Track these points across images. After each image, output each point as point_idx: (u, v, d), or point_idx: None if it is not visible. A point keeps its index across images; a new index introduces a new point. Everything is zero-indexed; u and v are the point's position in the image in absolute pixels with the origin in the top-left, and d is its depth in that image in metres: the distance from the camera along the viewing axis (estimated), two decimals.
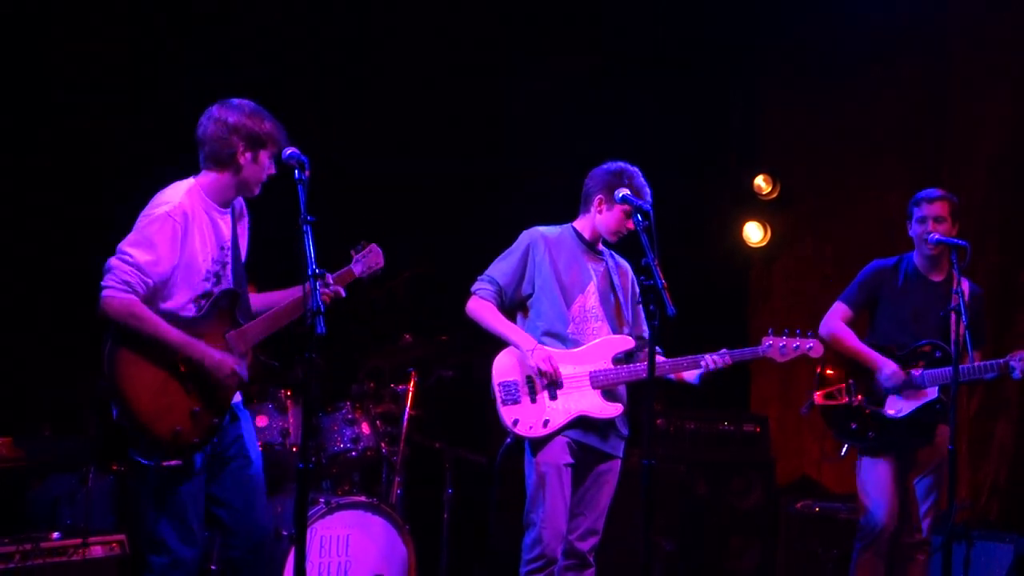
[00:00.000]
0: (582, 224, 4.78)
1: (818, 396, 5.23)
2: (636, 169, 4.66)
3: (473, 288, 4.71)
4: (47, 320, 6.08)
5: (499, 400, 4.58)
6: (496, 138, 7.37)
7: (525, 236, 4.75)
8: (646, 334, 4.80)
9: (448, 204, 7.14)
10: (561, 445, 4.55)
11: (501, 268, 4.71)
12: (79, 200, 6.20)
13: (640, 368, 4.60)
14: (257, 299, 4.24)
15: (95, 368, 5.62)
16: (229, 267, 4.07)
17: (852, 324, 5.29)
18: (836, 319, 5.29)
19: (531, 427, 4.54)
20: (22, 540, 4.99)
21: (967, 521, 6.27)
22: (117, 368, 3.82)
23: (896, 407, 5.09)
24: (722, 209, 8.07)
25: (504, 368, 4.62)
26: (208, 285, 4.00)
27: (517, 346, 4.59)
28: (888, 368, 5.08)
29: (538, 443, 4.56)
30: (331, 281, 4.14)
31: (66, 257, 6.14)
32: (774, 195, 7.93)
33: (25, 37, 6.06)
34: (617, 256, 4.87)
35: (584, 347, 4.63)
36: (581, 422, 4.58)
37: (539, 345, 4.58)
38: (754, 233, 7.99)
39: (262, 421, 5.52)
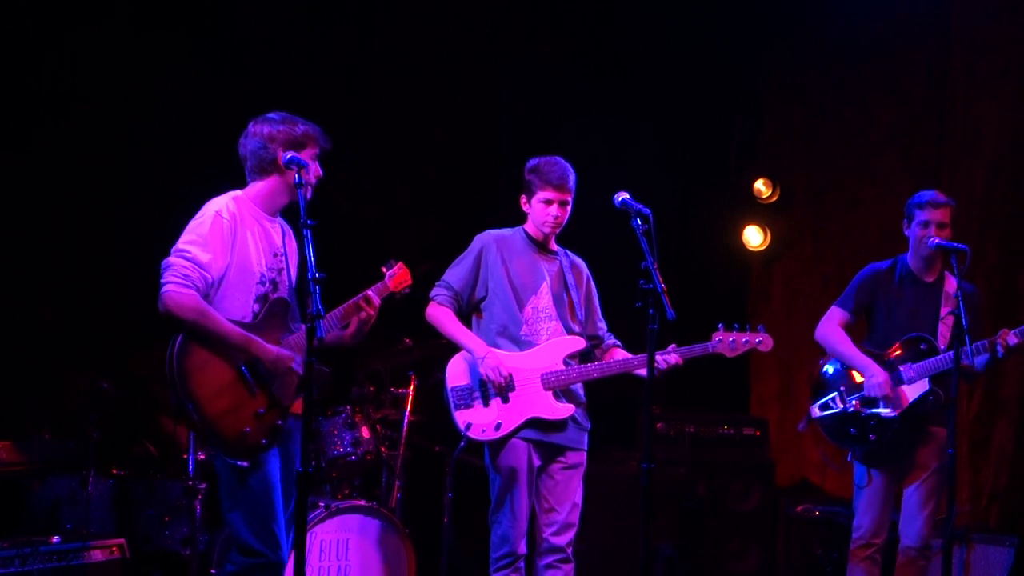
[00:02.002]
0: (527, 225, 4.85)
1: (814, 409, 5.25)
2: (553, 159, 4.73)
3: (431, 294, 4.78)
4: (47, 323, 6.08)
5: (452, 404, 4.67)
6: (496, 138, 7.37)
7: (477, 240, 4.83)
8: (600, 332, 4.91)
9: (448, 205, 7.14)
10: (518, 447, 4.62)
11: (455, 273, 4.78)
12: (80, 203, 6.20)
13: (591, 368, 4.69)
14: None
15: (95, 371, 5.68)
16: (285, 274, 4.15)
17: (849, 328, 5.28)
18: (833, 323, 5.28)
19: (484, 430, 4.62)
20: (22, 544, 4.99)
21: (967, 524, 6.27)
22: (184, 369, 3.87)
23: (891, 406, 5.11)
24: (722, 213, 8.06)
25: (457, 372, 4.70)
26: (264, 289, 4.08)
27: (470, 352, 4.66)
28: (875, 377, 5.08)
29: (496, 446, 4.63)
30: (375, 299, 4.27)
31: (66, 259, 6.15)
32: (774, 199, 7.93)
33: (24, 36, 6.06)
34: (571, 254, 4.92)
35: (535, 348, 4.69)
36: (536, 423, 4.63)
37: (491, 351, 4.63)
38: (754, 237, 7.98)
39: None
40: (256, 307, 4.05)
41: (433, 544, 5.99)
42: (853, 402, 5.15)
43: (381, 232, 6.84)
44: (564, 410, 4.66)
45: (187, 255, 3.91)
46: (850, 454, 5.25)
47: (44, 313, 6.11)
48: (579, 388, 4.76)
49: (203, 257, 3.92)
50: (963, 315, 4.73)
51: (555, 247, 4.86)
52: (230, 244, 3.98)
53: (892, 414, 5.09)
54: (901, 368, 5.10)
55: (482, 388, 4.65)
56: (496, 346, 4.68)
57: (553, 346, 4.70)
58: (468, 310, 4.80)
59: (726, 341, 4.67)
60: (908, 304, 5.21)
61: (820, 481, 7.43)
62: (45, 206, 6.09)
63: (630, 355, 4.72)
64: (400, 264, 4.46)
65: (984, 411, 6.73)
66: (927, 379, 5.07)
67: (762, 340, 4.70)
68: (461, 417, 4.64)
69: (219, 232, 3.96)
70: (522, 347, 4.70)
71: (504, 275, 4.72)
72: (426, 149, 7.22)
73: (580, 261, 4.94)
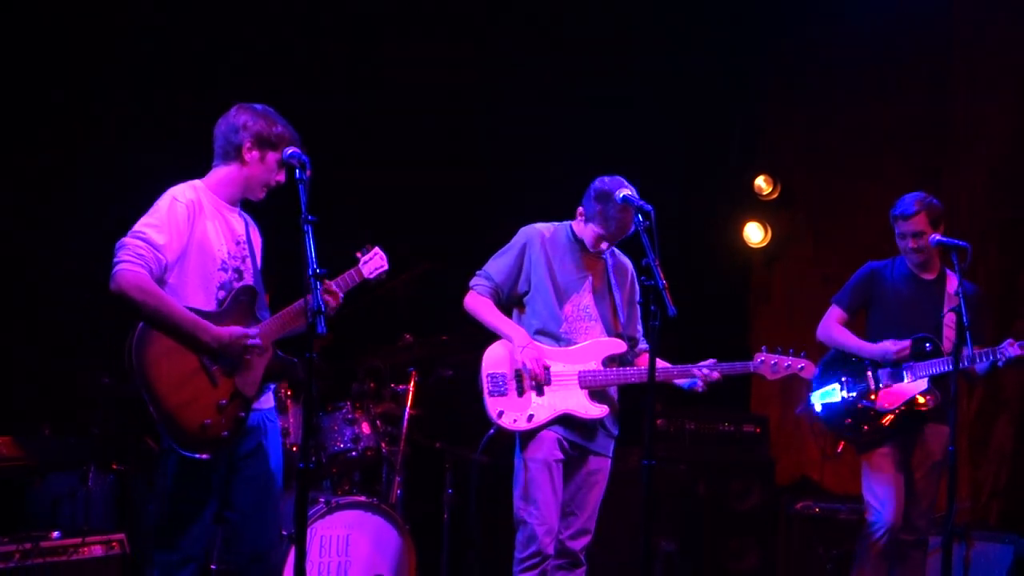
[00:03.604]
0: (576, 225, 4.78)
1: (813, 396, 5.31)
2: (625, 196, 4.40)
3: (471, 284, 4.74)
4: (47, 319, 6.08)
5: (486, 391, 4.61)
6: (499, 137, 7.37)
7: (522, 234, 4.77)
8: (638, 334, 4.84)
9: (450, 204, 7.14)
10: (551, 441, 4.57)
11: (497, 265, 4.73)
12: (81, 200, 6.20)
13: (629, 372, 4.64)
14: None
15: (94, 367, 5.68)
16: (249, 261, 4.10)
17: (848, 326, 5.33)
18: (832, 322, 5.35)
19: (515, 420, 4.57)
20: (22, 539, 4.99)
21: (967, 521, 6.28)
22: (143, 358, 3.80)
23: (887, 400, 5.15)
24: (723, 210, 8.07)
25: (495, 359, 4.64)
26: (226, 276, 4.02)
27: (510, 340, 4.61)
28: (890, 348, 5.11)
29: (527, 439, 4.58)
30: (334, 288, 4.14)
31: (67, 256, 6.15)
32: (775, 195, 7.93)
33: (21, 35, 6.07)
34: (619, 253, 4.86)
35: (576, 346, 4.65)
36: (567, 420, 4.59)
37: (531, 342, 4.60)
38: (755, 233, 7.99)
39: None
40: (220, 295, 4.00)
41: (433, 540, 6.01)
42: (852, 393, 5.19)
43: (381, 231, 6.82)
44: (598, 411, 4.62)
45: (142, 235, 3.86)
46: (840, 446, 5.31)
47: (44, 308, 6.10)
48: (613, 392, 4.72)
49: (159, 239, 3.86)
50: (964, 313, 4.73)
51: (602, 245, 4.77)
52: (187, 229, 3.92)
53: (888, 408, 5.13)
54: (904, 366, 5.14)
55: (518, 378, 4.60)
56: (536, 341, 4.63)
57: (594, 346, 4.66)
58: (508, 303, 4.75)
59: (768, 363, 4.62)
60: (908, 301, 5.24)
61: (820, 479, 7.44)
62: (44, 203, 6.09)
63: (668, 364, 4.61)
64: (376, 249, 4.35)
65: (984, 409, 6.74)
66: (927, 379, 5.10)
67: (804, 367, 4.64)
68: (494, 404, 4.59)
69: (174, 216, 3.91)
70: (561, 344, 4.65)
71: (547, 271, 4.67)
72: (426, 148, 7.21)
73: (626, 261, 4.87)
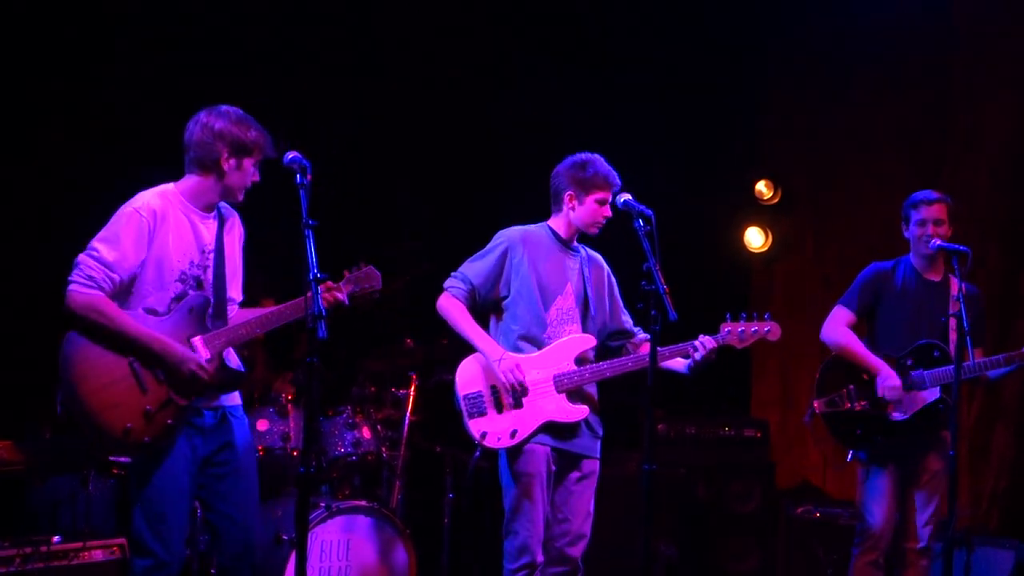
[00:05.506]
0: (557, 222, 4.71)
1: (819, 404, 5.21)
2: (598, 156, 4.63)
3: (445, 284, 4.63)
4: (48, 322, 6.06)
5: (465, 413, 4.50)
6: (496, 139, 7.36)
7: (503, 237, 4.67)
8: (626, 325, 4.77)
9: (448, 206, 7.14)
10: (536, 452, 4.50)
11: (476, 268, 4.63)
12: (82, 200, 6.19)
13: (604, 367, 4.56)
14: (244, 314, 4.22)
15: None
16: (211, 271, 4.07)
17: (853, 328, 5.28)
18: (840, 324, 5.25)
19: (499, 438, 4.48)
20: (22, 543, 5.00)
21: (967, 527, 6.27)
22: (71, 358, 3.85)
23: (900, 410, 5.10)
24: (723, 214, 8.06)
25: (467, 379, 4.54)
26: (183, 287, 4.01)
27: (484, 354, 4.52)
28: (890, 380, 5.08)
29: (512, 452, 4.51)
30: (333, 286, 4.16)
31: (68, 257, 6.14)
32: (775, 200, 7.92)
33: (20, 33, 6.07)
34: (589, 250, 4.80)
35: (546, 349, 4.57)
36: (551, 427, 4.52)
37: (506, 354, 4.50)
38: (755, 238, 7.97)
39: (263, 425, 5.54)
40: (173, 305, 4.00)
41: (434, 544, 6.01)
42: (861, 402, 5.14)
43: (381, 231, 6.84)
44: (578, 412, 4.54)
45: (95, 254, 3.88)
46: (850, 454, 5.25)
47: (45, 311, 6.09)
48: (592, 389, 4.64)
49: (110, 256, 3.88)
50: (964, 318, 4.71)
51: (576, 244, 4.74)
52: (146, 241, 3.93)
53: (901, 417, 5.09)
54: (913, 374, 5.09)
55: (494, 394, 4.50)
56: (518, 350, 4.55)
57: (564, 346, 4.57)
58: (484, 308, 4.65)
59: (735, 332, 4.55)
60: (914, 304, 5.21)
61: (821, 483, 7.43)
62: (49, 202, 6.10)
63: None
64: (369, 268, 4.29)
65: (984, 415, 6.73)
66: (938, 387, 5.06)
67: (770, 329, 4.58)
68: (475, 426, 4.48)
69: (132, 230, 3.92)
70: (543, 349, 4.58)
71: (531, 275, 4.58)
72: (426, 148, 7.21)
73: (597, 256, 4.81)
